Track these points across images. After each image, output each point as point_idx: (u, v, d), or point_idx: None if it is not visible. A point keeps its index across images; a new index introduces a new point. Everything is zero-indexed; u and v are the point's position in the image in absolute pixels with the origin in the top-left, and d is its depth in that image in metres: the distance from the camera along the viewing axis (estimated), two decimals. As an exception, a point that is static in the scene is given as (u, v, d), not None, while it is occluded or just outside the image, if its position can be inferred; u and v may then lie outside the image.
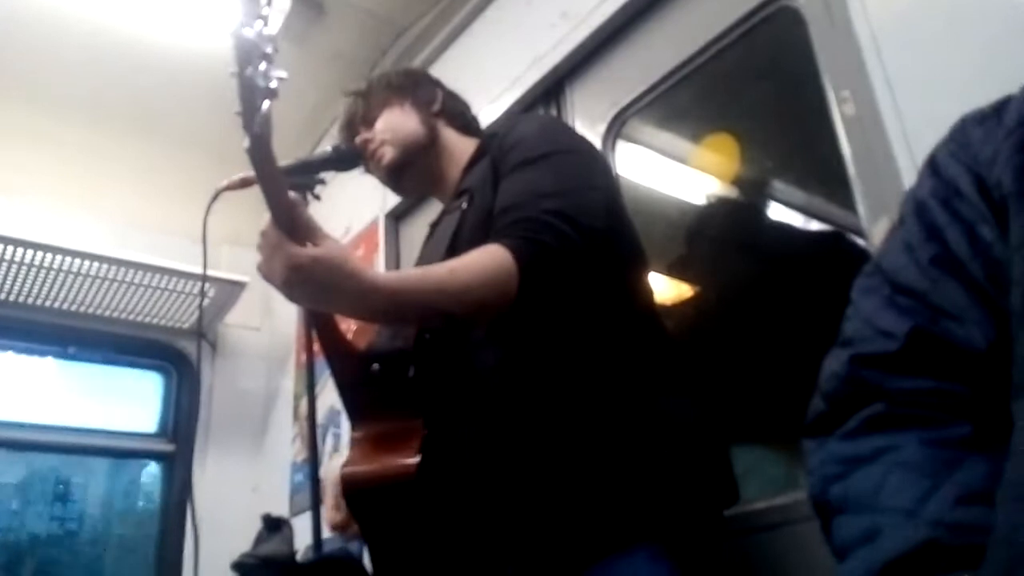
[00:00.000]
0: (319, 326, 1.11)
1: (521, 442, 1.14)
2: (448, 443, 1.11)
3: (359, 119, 1.52)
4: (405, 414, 1.08)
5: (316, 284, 0.93)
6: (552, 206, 1.11)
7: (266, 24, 0.83)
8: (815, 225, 1.90)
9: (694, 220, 2.13)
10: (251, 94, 0.82)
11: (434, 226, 1.50)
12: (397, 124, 1.47)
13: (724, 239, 2.05)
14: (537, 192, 1.15)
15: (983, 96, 0.73)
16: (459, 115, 1.55)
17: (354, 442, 1.11)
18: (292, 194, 0.96)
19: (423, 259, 1.47)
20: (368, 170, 1.54)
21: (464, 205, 1.30)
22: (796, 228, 1.95)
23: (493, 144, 1.34)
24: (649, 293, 1.32)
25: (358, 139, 1.50)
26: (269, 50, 0.83)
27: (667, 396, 1.19)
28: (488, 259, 1.06)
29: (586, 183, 1.22)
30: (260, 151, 0.86)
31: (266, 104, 0.83)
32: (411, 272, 1.05)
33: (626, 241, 1.30)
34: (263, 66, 0.82)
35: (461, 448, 1.14)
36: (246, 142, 0.85)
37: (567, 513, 1.10)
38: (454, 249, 1.25)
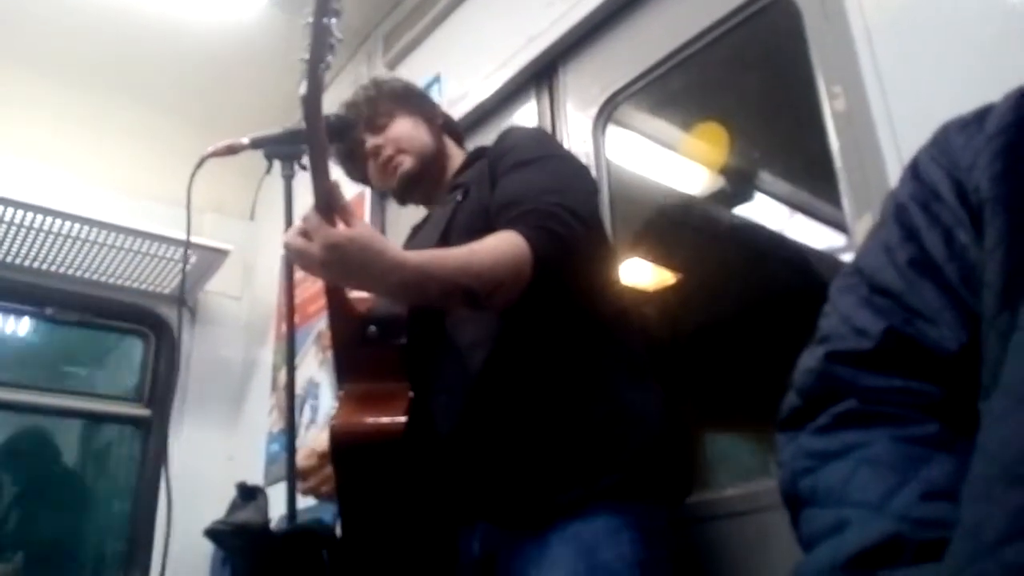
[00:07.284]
0: (329, 285, 1.16)
1: (495, 414, 1.22)
2: (428, 409, 1.17)
3: (364, 122, 1.57)
4: (393, 377, 1.14)
5: (350, 262, 1.01)
6: (553, 200, 1.20)
7: None
8: (799, 217, 1.91)
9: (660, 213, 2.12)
10: (322, 43, 0.87)
11: (419, 227, 1.58)
12: (412, 135, 1.55)
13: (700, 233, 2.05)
14: (537, 188, 1.24)
15: (974, 98, 0.73)
16: (455, 129, 1.67)
17: (340, 400, 1.16)
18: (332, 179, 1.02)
19: (413, 247, 1.51)
20: (363, 177, 1.63)
21: (459, 198, 1.38)
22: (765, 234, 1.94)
23: (487, 151, 1.44)
24: (619, 287, 1.45)
25: (368, 145, 1.55)
26: (338, 6, 0.89)
27: (630, 386, 1.26)
28: (505, 243, 1.13)
29: (578, 183, 1.33)
30: (315, 101, 0.92)
31: (329, 57, 0.89)
32: (434, 251, 1.12)
33: (601, 239, 1.40)
34: (333, 20, 0.88)
35: (439, 415, 1.21)
36: (302, 88, 0.91)
37: (535, 477, 1.17)
38: (447, 237, 1.33)
